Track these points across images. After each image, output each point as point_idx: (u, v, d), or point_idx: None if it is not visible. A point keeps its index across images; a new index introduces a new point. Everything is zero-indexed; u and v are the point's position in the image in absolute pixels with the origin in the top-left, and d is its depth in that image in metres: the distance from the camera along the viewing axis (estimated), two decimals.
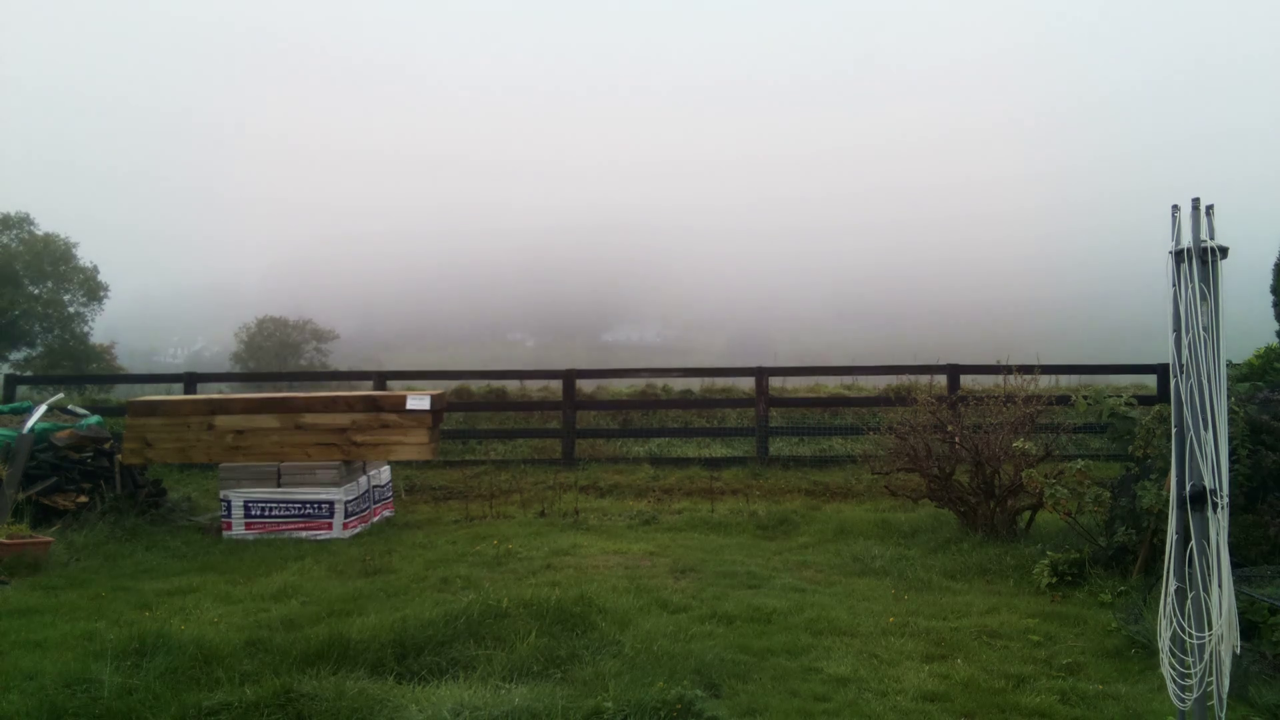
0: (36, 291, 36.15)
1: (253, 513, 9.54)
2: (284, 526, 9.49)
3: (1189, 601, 3.53)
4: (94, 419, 10.66)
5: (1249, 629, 5.08)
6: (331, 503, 9.46)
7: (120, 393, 18.06)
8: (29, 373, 32.06)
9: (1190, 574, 3.53)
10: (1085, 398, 8.69)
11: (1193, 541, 3.53)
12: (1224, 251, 3.59)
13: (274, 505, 9.55)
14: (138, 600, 6.84)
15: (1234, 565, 3.85)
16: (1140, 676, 5.07)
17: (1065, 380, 12.57)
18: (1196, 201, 3.63)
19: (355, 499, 9.71)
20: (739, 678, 5.01)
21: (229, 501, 9.55)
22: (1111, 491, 7.48)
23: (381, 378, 13.73)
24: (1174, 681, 3.57)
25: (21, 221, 36.60)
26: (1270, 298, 11.49)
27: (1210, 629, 3.47)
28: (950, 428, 8.86)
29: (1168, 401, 4.09)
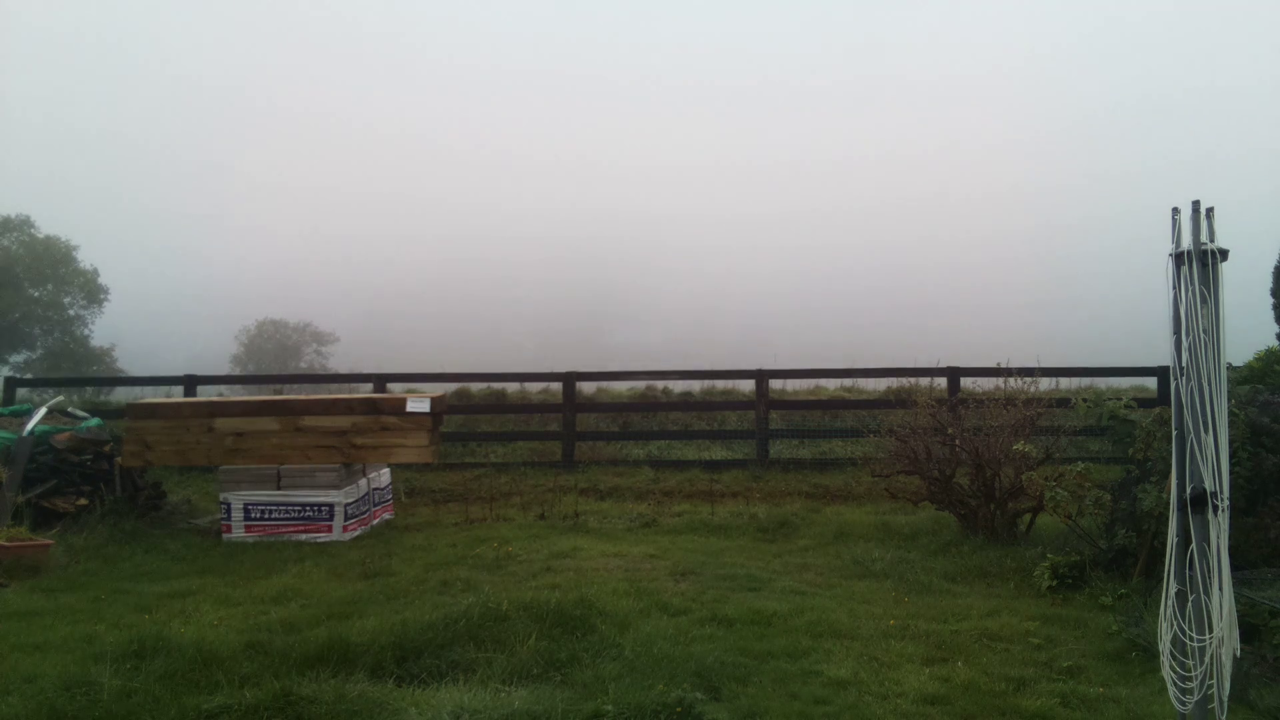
0: (37, 294, 36.20)
1: (252, 515, 9.53)
2: (284, 529, 9.49)
3: (1189, 604, 3.53)
4: (94, 421, 10.66)
5: (1249, 632, 5.08)
6: (331, 505, 9.46)
7: (120, 395, 18.06)
8: (29, 375, 32.06)
9: (1191, 577, 3.53)
10: (1085, 400, 8.69)
11: (1193, 544, 3.53)
12: (1224, 254, 3.59)
13: (274, 508, 9.55)
14: (137, 603, 6.83)
15: (1234, 568, 3.85)
16: (1141, 679, 5.07)
17: (1065, 383, 12.57)
18: (1196, 204, 3.63)
19: (355, 501, 9.70)
20: (739, 680, 5.01)
21: (228, 504, 9.55)
22: (1112, 494, 7.47)
23: (381, 380, 13.72)
24: (1174, 684, 3.57)
25: (22, 224, 36.65)
26: (1270, 300, 11.50)
27: (1211, 632, 3.47)
28: (950, 430, 8.86)
29: (1168, 404, 4.09)
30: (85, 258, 37.69)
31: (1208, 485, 3.50)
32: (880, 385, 14.34)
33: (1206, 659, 3.47)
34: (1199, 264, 3.56)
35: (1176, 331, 3.59)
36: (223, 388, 16.41)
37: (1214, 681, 3.50)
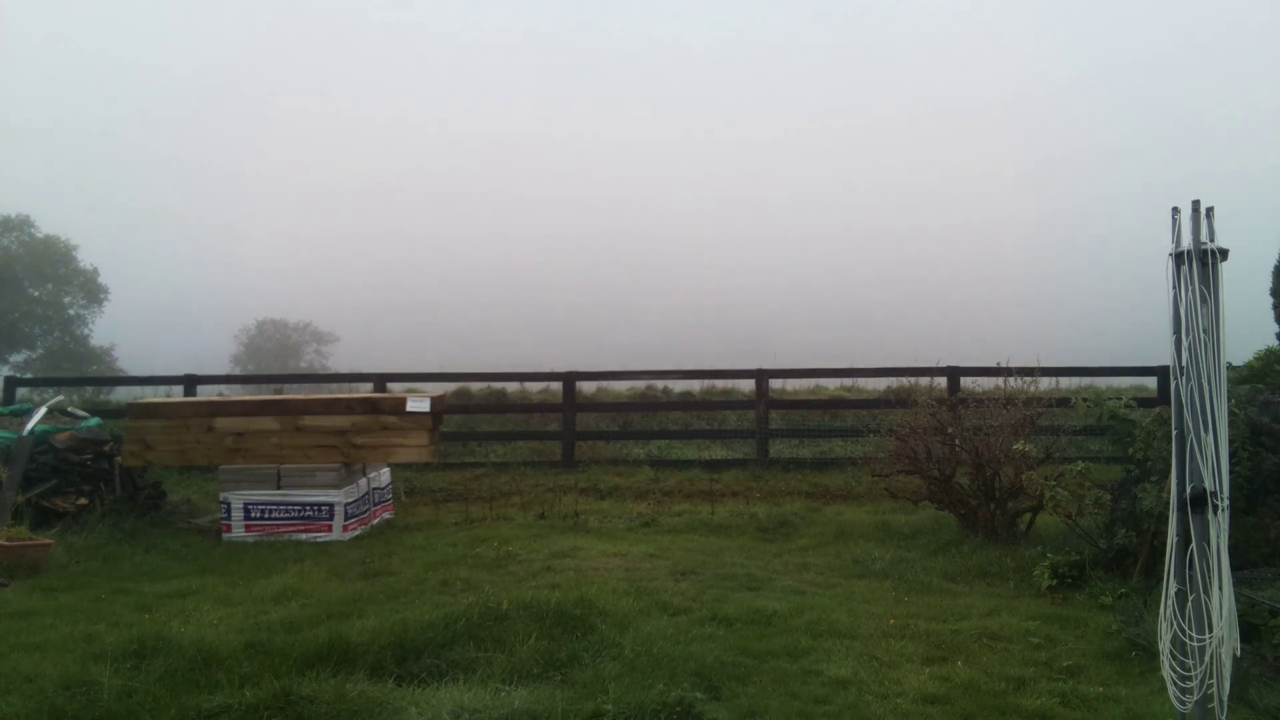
0: (37, 294, 36.21)
1: (252, 515, 9.53)
2: (284, 529, 9.49)
3: (1189, 604, 3.53)
4: (94, 421, 10.66)
5: (1249, 631, 5.07)
6: (331, 505, 9.46)
7: (120, 395, 18.05)
8: (29, 375, 32.05)
9: (1191, 576, 3.53)
10: (1085, 400, 8.68)
11: (1193, 544, 3.53)
12: (1224, 254, 3.59)
13: (274, 507, 9.55)
14: (137, 602, 6.83)
15: (1234, 568, 3.85)
16: (1141, 679, 5.07)
17: (1065, 382, 12.54)
18: (1196, 204, 3.63)
19: (355, 501, 9.71)
20: (739, 680, 5.00)
21: (229, 504, 9.55)
22: (1112, 494, 7.47)
23: (381, 380, 13.72)
24: (1174, 684, 3.57)
25: (22, 224, 36.67)
26: (1270, 300, 11.48)
27: (1211, 631, 3.47)
28: (950, 430, 8.86)
29: (1168, 404, 4.09)
30: (85, 258, 37.72)
31: (1208, 485, 3.50)
32: (880, 385, 14.32)
33: (1206, 658, 3.47)
34: (1199, 263, 3.56)
35: (1176, 331, 3.59)
36: (223, 387, 16.41)
37: (1214, 681, 3.50)
